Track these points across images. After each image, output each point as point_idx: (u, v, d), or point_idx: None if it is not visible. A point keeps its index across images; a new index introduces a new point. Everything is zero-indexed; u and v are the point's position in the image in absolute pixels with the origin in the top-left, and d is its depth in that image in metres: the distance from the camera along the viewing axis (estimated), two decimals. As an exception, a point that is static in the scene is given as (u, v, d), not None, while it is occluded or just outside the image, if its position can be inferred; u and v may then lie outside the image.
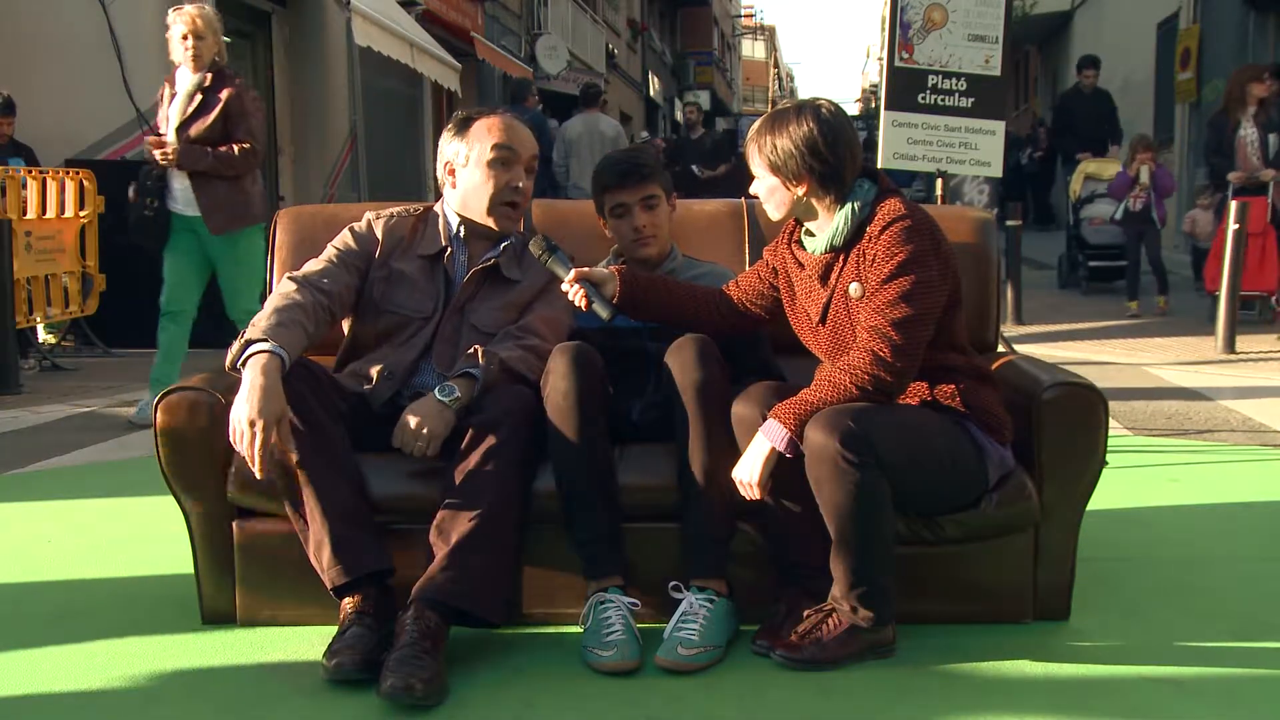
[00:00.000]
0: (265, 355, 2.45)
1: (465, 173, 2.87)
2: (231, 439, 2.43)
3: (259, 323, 2.54)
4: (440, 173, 2.93)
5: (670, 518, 2.63)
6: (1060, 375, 2.69)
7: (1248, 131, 8.25)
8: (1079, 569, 2.72)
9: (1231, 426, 5.10)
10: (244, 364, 2.46)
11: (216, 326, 5.45)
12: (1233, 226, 6.98)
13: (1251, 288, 8.04)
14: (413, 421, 2.55)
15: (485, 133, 2.85)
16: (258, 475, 2.44)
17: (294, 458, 2.49)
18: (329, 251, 2.85)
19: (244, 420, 2.39)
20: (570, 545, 2.61)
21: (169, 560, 3.15)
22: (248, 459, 2.41)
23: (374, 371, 2.78)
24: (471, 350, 2.68)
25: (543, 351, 2.73)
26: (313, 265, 2.81)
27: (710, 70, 41.41)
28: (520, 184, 2.86)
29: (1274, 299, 8.29)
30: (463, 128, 2.88)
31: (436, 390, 2.61)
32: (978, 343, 2.96)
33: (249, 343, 2.49)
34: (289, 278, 2.75)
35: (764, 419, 2.45)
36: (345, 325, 2.94)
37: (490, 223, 2.87)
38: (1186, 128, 13.93)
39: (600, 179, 2.98)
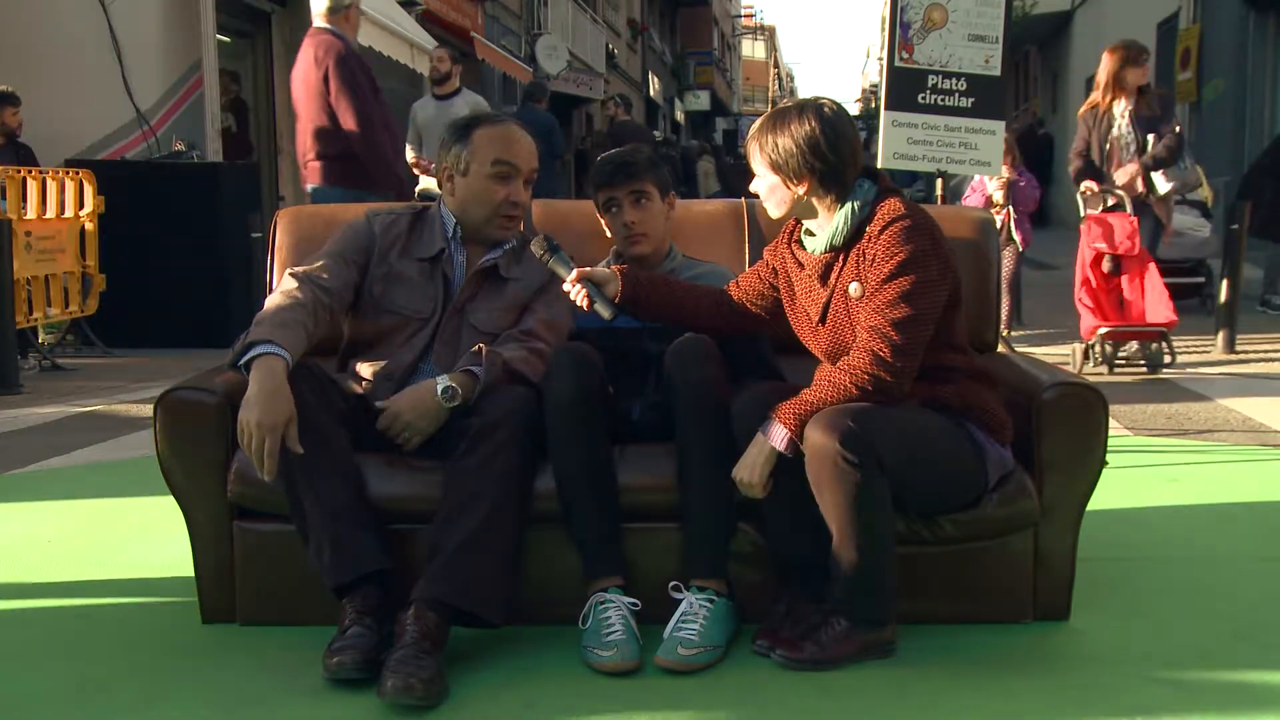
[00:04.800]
0: (271, 358, 2.46)
1: (464, 181, 2.86)
2: (240, 441, 2.44)
3: (262, 322, 2.55)
4: (438, 174, 2.93)
5: (670, 518, 2.63)
6: (1060, 375, 2.69)
7: (1122, 130, 6.60)
8: (1079, 569, 2.72)
9: (1231, 426, 5.10)
10: (246, 365, 2.47)
11: (217, 326, 5.44)
12: (1232, 227, 6.93)
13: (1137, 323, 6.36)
14: (405, 412, 2.60)
15: (487, 144, 2.84)
16: (264, 477, 2.45)
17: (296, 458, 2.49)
18: (328, 248, 2.85)
19: (253, 423, 2.40)
20: (570, 545, 2.61)
21: (169, 560, 3.16)
22: (256, 462, 2.42)
23: (373, 372, 2.79)
24: (476, 348, 2.68)
25: (545, 354, 2.74)
26: (313, 262, 2.81)
27: (710, 70, 41.46)
28: (519, 198, 2.87)
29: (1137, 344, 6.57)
30: (464, 133, 2.87)
31: (439, 389, 2.61)
32: (978, 343, 2.96)
33: (251, 343, 2.49)
34: (290, 274, 2.75)
35: (764, 419, 2.45)
36: (345, 325, 2.94)
37: (487, 231, 2.88)
38: (1186, 128, 13.92)
39: (594, 175, 3.02)
